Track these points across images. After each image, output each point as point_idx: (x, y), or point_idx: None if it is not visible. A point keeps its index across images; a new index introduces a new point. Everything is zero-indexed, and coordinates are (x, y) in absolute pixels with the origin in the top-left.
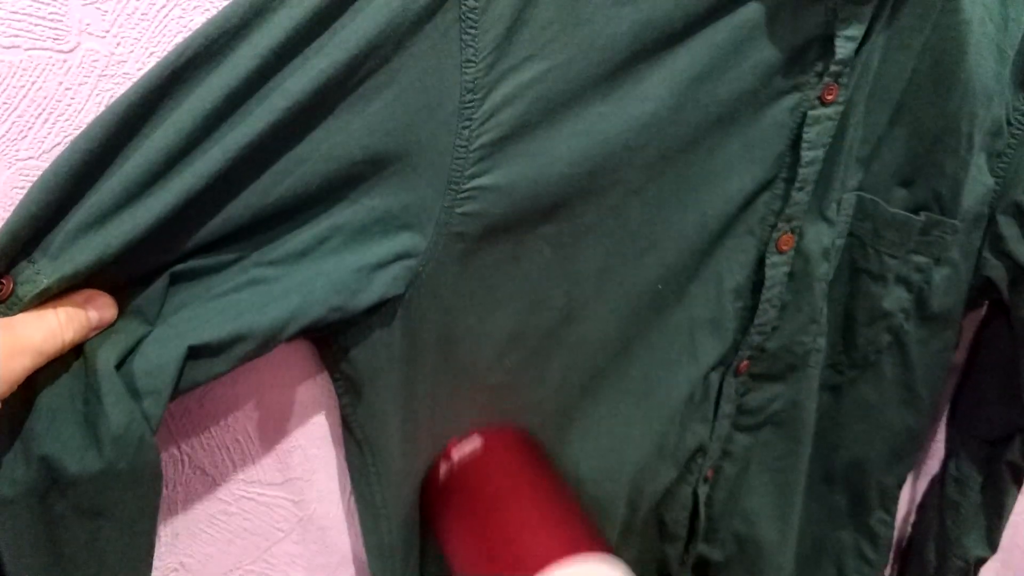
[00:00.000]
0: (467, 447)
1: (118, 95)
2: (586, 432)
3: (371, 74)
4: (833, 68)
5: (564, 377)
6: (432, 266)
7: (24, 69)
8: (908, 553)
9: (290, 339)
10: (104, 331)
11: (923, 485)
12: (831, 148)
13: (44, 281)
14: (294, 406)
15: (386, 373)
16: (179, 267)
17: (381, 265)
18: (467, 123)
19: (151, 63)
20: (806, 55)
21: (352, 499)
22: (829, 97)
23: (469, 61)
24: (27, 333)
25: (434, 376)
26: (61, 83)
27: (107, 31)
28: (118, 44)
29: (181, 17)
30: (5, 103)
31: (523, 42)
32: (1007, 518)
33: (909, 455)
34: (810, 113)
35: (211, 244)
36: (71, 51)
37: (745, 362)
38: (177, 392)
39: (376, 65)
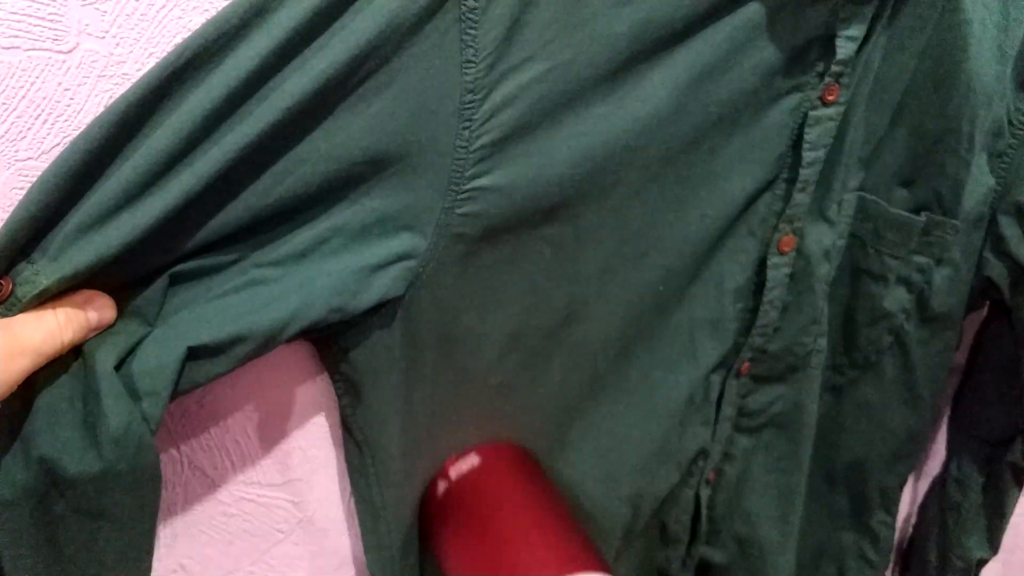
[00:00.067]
0: (465, 465)
1: (117, 96)
2: (586, 433)
3: (371, 74)
4: (834, 68)
5: (564, 378)
6: (432, 267)
7: (23, 70)
8: (909, 554)
9: (290, 340)
10: (103, 332)
11: (924, 486)
12: (832, 149)
13: (43, 282)
14: (294, 407)
15: (386, 374)
16: (179, 268)
17: (381, 266)
18: (467, 124)
19: (150, 64)
20: (807, 55)
21: (352, 500)
22: (830, 97)
23: (469, 62)
24: (26, 334)
25: (434, 377)
26: (60, 83)
27: (106, 31)
28: (117, 44)
29: (180, 17)
30: (4, 103)
31: (523, 42)
32: (1008, 519)
33: (910, 456)
34: (811, 114)
35: (211, 245)
36: (70, 52)
37: (746, 364)
38: (176, 393)
39: (376, 65)
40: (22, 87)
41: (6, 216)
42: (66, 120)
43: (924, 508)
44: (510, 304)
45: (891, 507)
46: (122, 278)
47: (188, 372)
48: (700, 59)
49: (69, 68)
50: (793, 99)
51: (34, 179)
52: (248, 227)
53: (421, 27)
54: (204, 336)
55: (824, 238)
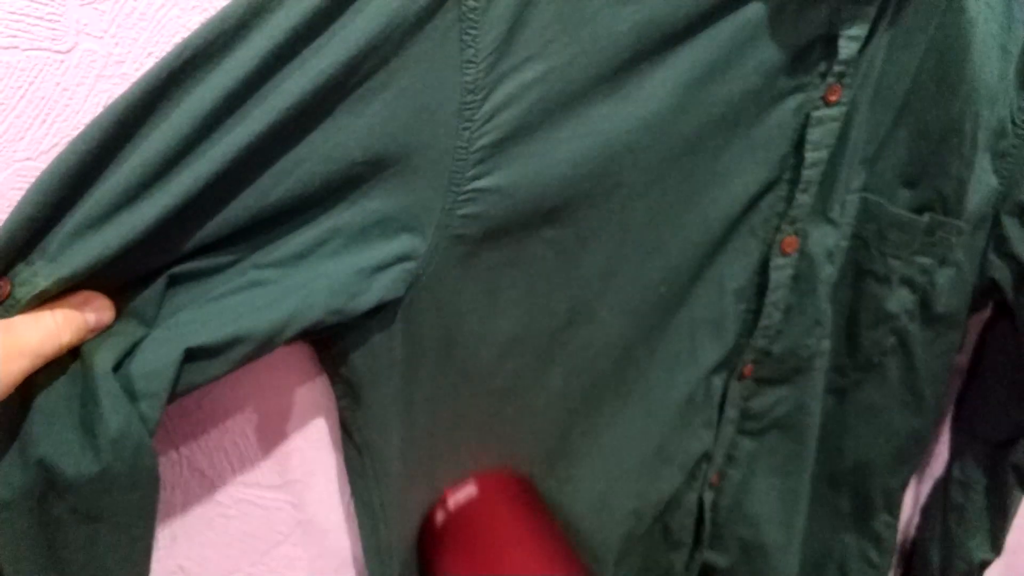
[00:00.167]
0: (463, 495)
1: (116, 96)
2: (587, 435)
3: (371, 75)
4: (836, 68)
5: (565, 381)
6: (432, 269)
7: (22, 69)
8: (912, 556)
9: (289, 341)
10: (102, 333)
11: (927, 488)
12: (835, 149)
13: (42, 283)
14: (293, 408)
15: (385, 376)
16: (177, 269)
17: (381, 268)
18: (468, 124)
19: (149, 64)
20: (809, 55)
21: (352, 502)
22: (832, 97)
23: (469, 62)
24: (24, 335)
25: (434, 380)
26: (59, 83)
27: (105, 31)
28: (116, 44)
29: (179, 17)
30: (3, 103)
31: (524, 42)
32: (1011, 521)
33: (913, 457)
34: (813, 114)
35: (209, 246)
36: (69, 51)
37: (749, 366)
38: (175, 394)
39: (376, 66)
40: (20, 87)
41: (4, 217)
42: (64, 120)
43: (927, 510)
44: (511, 306)
45: (894, 509)
46: (121, 279)
47: (186, 373)
48: (702, 59)
49: (68, 68)
50: (796, 99)
51: (33, 180)
52: (247, 228)
53: (421, 27)
54: (202, 337)
55: (827, 239)
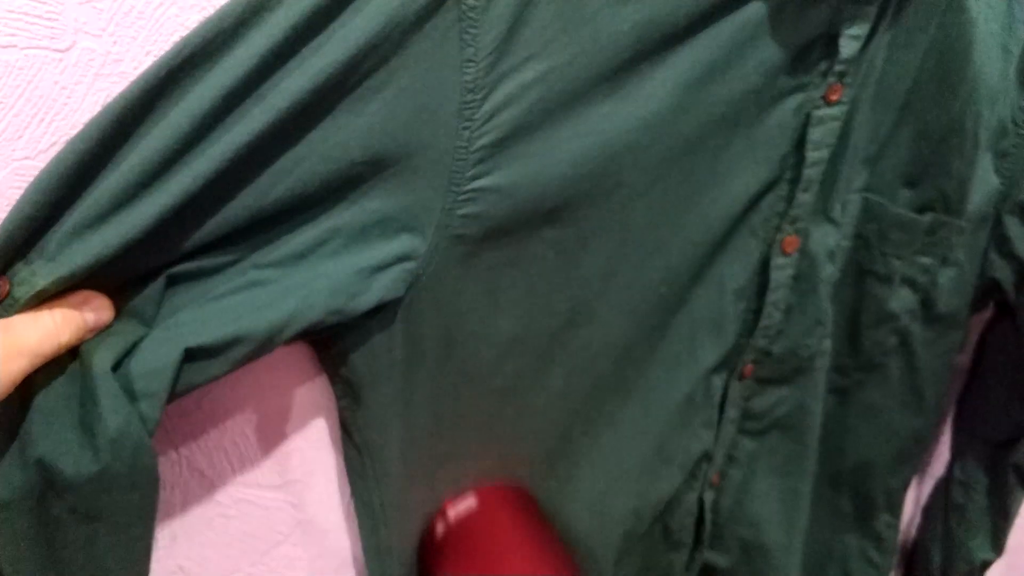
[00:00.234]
0: (463, 505)
1: (114, 94)
2: (588, 435)
3: (370, 74)
4: (837, 67)
5: (566, 381)
6: (432, 269)
7: (20, 68)
8: (913, 556)
9: (289, 342)
10: (101, 333)
11: (928, 488)
12: (836, 148)
13: (40, 282)
14: (293, 408)
15: (385, 377)
16: (177, 269)
17: (380, 268)
18: (468, 124)
19: (148, 62)
20: (810, 54)
21: (352, 502)
22: (833, 97)
23: (469, 61)
24: (23, 335)
25: (434, 380)
26: (57, 82)
27: (103, 30)
28: (114, 43)
29: (178, 16)
30: (1, 102)
31: (524, 42)
32: (1013, 521)
33: (914, 458)
34: (814, 113)
35: (209, 246)
36: (67, 50)
37: (749, 366)
38: (174, 394)
39: (375, 65)
40: (19, 86)
41: (3, 216)
42: (63, 119)
43: (928, 510)
44: (511, 307)
45: (896, 509)
46: (120, 279)
47: (186, 373)
48: (702, 58)
49: (66, 66)
50: (796, 98)
51: (31, 179)
52: (246, 228)
53: (421, 26)
54: (202, 337)
55: (828, 239)
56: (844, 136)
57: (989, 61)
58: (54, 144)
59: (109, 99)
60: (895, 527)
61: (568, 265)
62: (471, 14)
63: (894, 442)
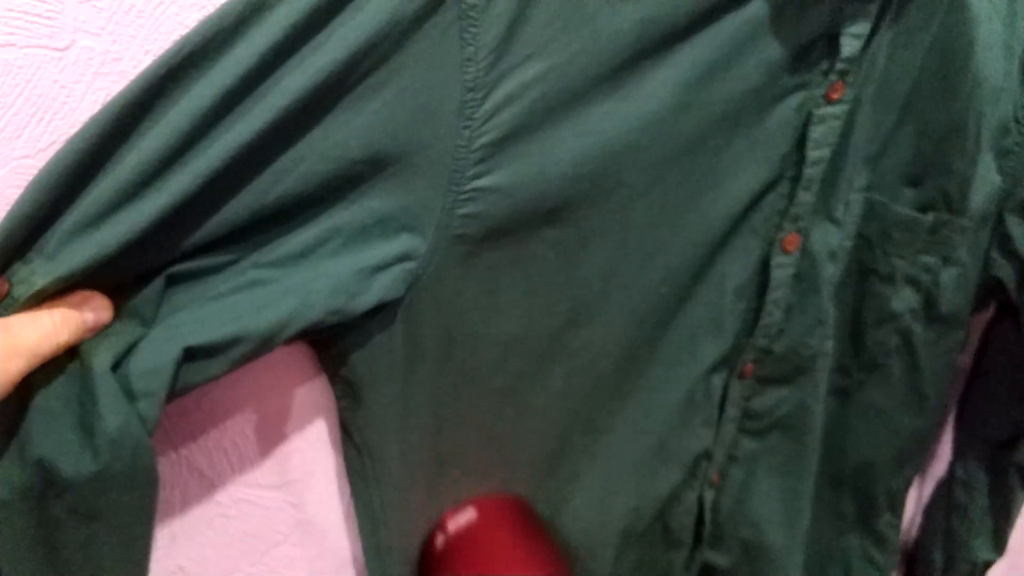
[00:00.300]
0: (463, 519)
1: (114, 93)
2: (588, 435)
3: (370, 73)
4: (839, 66)
5: (567, 381)
6: (433, 269)
7: (19, 67)
8: (914, 556)
9: (288, 341)
10: (100, 332)
11: (930, 488)
12: (837, 147)
13: (39, 282)
14: (293, 408)
15: (385, 377)
16: (176, 268)
17: (380, 267)
18: (468, 123)
19: (147, 61)
20: (811, 53)
21: (351, 502)
22: (835, 95)
23: (469, 60)
24: (22, 334)
25: (434, 380)
26: (56, 81)
27: (103, 28)
28: (114, 41)
29: (177, 14)
30: (0, 101)
31: (524, 40)
32: (1014, 521)
33: (916, 458)
34: (815, 112)
35: (209, 245)
36: (66, 49)
37: (750, 365)
38: (174, 394)
39: (375, 63)
40: (18, 84)
41: (2, 216)
42: (62, 118)
43: (929, 510)
44: (512, 307)
45: (897, 509)
46: (119, 278)
47: (185, 373)
48: (703, 57)
49: (65, 65)
50: (798, 97)
51: (31, 178)
52: (246, 227)
53: (420, 25)
54: (201, 337)
55: (830, 238)
56: (846, 135)
57: (991, 59)
58: (53, 143)
59: (108, 98)
60: (897, 527)
61: (568, 265)
62: (471, 13)
63: (896, 442)
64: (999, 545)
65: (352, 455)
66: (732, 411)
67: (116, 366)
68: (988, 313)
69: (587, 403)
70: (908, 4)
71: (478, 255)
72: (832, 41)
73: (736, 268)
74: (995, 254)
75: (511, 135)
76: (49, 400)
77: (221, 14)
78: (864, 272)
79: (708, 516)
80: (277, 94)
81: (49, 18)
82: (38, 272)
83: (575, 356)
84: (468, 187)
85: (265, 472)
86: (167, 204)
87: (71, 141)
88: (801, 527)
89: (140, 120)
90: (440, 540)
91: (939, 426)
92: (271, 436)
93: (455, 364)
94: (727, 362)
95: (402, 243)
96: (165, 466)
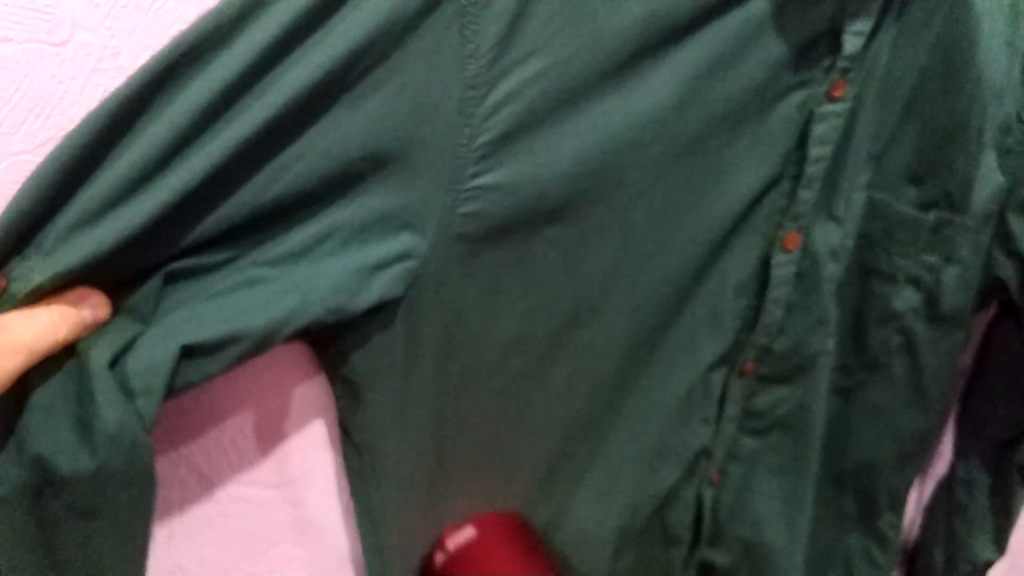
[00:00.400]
0: (462, 535)
1: (112, 89)
2: (589, 435)
3: (370, 69)
4: (841, 64)
5: (568, 382)
6: (433, 268)
7: (17, 62)
8: (915, 556)
9: (288, 340)
10: (98, 330)
11: (931, 488)
12: (839, 146)
13: (37, 278)
14: (292, 407)
15: (385, 377)
16: (175, 266)
17: (381, 266)
18: (469, 120)
19: (145, 56)
20: (814, 51)
21: (351, 501)
22: (837, 93)
23: (470, 57)
24: (20, 331)
25: (435, 380)
26: (54, 76)
27: (100, 23)
28: (112, 37)
29: (175, 9)
30: None
31: (526, 37)
32: (1015, 520)
33: (918, 457)
34: (817, 110)
35: (207, 242)
36: (64, 43)
37: (751, 363)
38: (172, 392)
39: (375, 60)
40: (15, 80)
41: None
42: (60, 114)
43: (931, 510)
44: (513, 306)
45: (898, 509)
46: (117, 275)
47: (183, 371)
48: (706, 54)
49: (63, 61)
50: (800, 95)
51: (28, 174)
52: (245, 225)
53: (421, 21)
54: (199, 335)
55: (831, 237)
56: (847, 133)
57: (994, 57)
58: (51, 139)
59: (106, 93)
60: (898, 527)
61: (570, 264)
62: (472, 9)
63: (897, 442)
64: (1000, 545)
65: (351, 454)
66: (732, 409)
67: (114, 363)
68: (990, 313)
69: (587, 402)
70: (911, 2)
71: (479, 254)
72: (834, 38)
73: (737, 266)
74: (997, 253)
75: (512, 133)
76: (47, 397)
77: (220, 10)
78: (866, 271)
79: (707, 514)
80: (276, 91)
81: (47, 13)
82: (36, 269)
83: (576, 356)
84: (469, 185)
85: (264, 471)
86: (165, 201)
87: (69, 137)
88: (802, 526)
89: (138, 116)
90: (440, 558)
91: (940, 426)
92: (270, 435)
93: (455, 364)
94: (727, 360)
95: (402, 242)
96: (164, 464)
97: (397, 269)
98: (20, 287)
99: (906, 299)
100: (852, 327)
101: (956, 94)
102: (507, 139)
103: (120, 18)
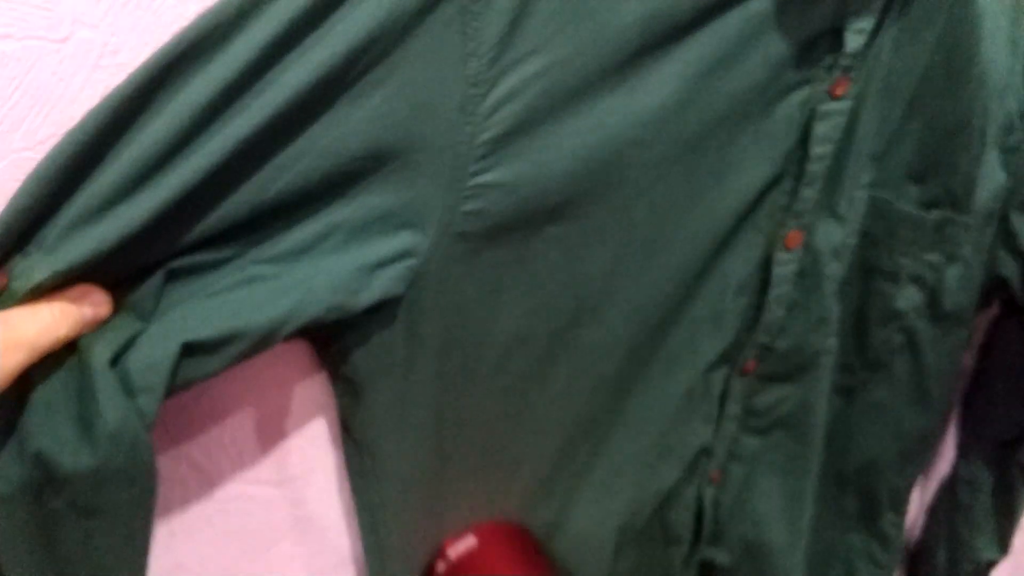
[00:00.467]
0: (463, 545)
1: (113, 86)
2: (589, 434)
3: (371, 67)
4: (843, 62)
5: (569, 382)
6: (435, 266)
7: (17, 59)
8: (918, 556)
9: (288, 338)
10: (99, 327)
11: (932, 487)
12: (841, 144)
13: (38, 276)
14: (292, 405)
15: (386, 375)
16: (176, 263)
17: (381, 264)
18: (470, 118)
19: (146, 53)
20: (816, 48)
21: (351, 499)
22: (839, 91)
23: (471, 55)
24: (21, 328)
25: (437, 379)
26: (55, 73)
27: (101, 20)
28: (112, 33)
29: (176, 6)
30: None
31: (527, 35)
32: (1018, 519)
33: (920, 457)
34: (819, 108)
35: (208, 240)
36: (64, 40)
37: (752, 362)
38: (173, 390)
39: (376, 59)
40: (16, 77)
41: (1, 209)
42: (61, 111)
43: (933, 509)
44: (514, 306)
45: (900, 508)
46: (118, 273)
47: (184, 368)
48: (708, 52)
49: (64, 57)
50: (802, 93)
51: (29, 171)
52: (246, 223)
53: (422, 20)
54: (200, 333)
55: (833, 236)
56: (850, 131)
57: (997, 56)
58: (52, 136)
59: (107, 90)
60: (900, 526)
61: (572, 264)
62: (473, 7)
63: (899, 441)
64: (1003, 545)
65: (352, 453)
66: (733, 408)
67: (115, 361)
68: (992, 312)
69: (589, 401)
70: None
71: (480, 253)
72: (836, 36)
73: (738, 265)
74: (1000, 252)
75: (514, 131)
76: (48, 394)
77: (220, 8)
78: (868, 270)
79: (708, 513)
80: (277, 89)
81: (47, 9)
82: (37, 266)
83: (577, 355)
84: (470, 183)
85: (265, 469)
86: (166, 199)
87: (70, 134)
88: (802, 525)
89: (139, 114)
90: (441, 567)
91: (943, 425)
92: (271, 433)
93: (456, 363)
94: (728, 359)
95: (403, 240)
96: (164, 462)
97: (398, 267)
98: (21, 284)
99: (908, 298)
100: (854, 326)
101: (958, 92)
102: (508, 137)
103: (121, 14)
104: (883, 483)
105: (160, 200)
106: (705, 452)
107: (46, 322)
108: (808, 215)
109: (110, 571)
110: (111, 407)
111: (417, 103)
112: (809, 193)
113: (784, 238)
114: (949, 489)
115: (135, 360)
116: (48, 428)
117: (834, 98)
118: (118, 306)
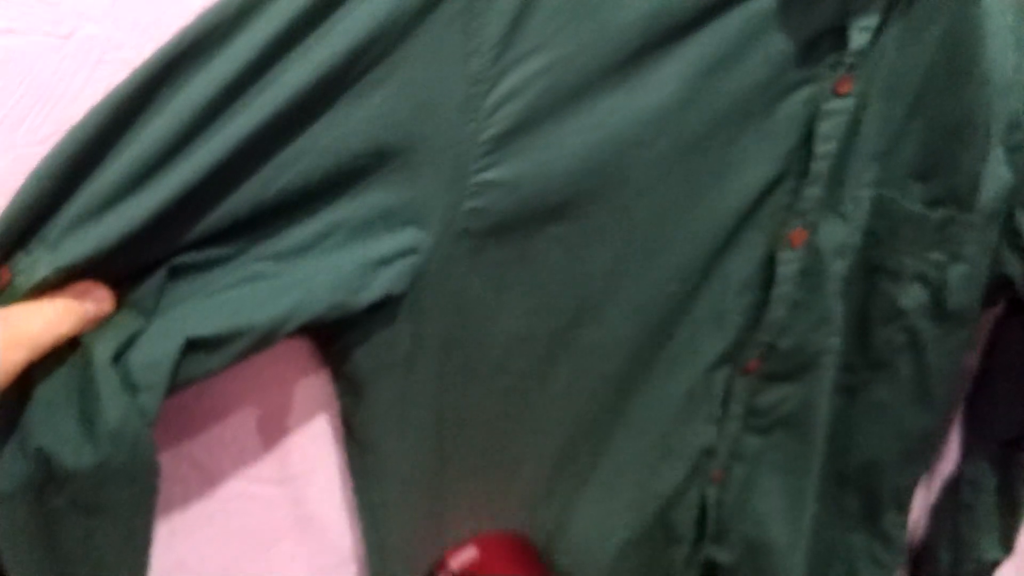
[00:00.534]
0: (465, 557)
1: (116, 82)
2: (591, 434)
3: (372, 67)
4: (847, 60)
5: (571, 381)
6: (437, 264)
7: (21, 55)
8: (921, 556)
9: (290, 336)
10: (101, 324)
11: (936, 487)
12: (845, 142)
13: (41, 272)
14: (294, 403)
15: (388, 374)
16: (178, 261)
17: (384, 262)
18: (472, 116)
19: (149, 49)
20: (819, 46)
21: (353, 498)
22: (842, 89)
23: (473, 53)
24: (24, 325)
25: (438, 378)
26: (58, 69)
27: (105, 15)
28: (116, 29)
29: (180, 2)
30: (2, 89)
31: (529, 32)
32: (1022, 520)
33: (923, 456)
34: (823, 106)
35: (211, 237)
36: (68, 36)
37: (754, 361)
38: (174, 387)
39: (377, 57)
40: (19, 73)
41: (4, 205)
42: (64, 107)
43: (936, 509)
44: (516, 305)
45: (903, 508)
46: (121, 270)
47: (186, 366)
48: (711, 50)
49: (67, 53)
50: (805, 91)
51: (32, 167)
52: (248, 220)
53: (423, 18)
54: (202, 330)
55: (837, 234)
56: (853, 130)
57: (1002, 54)
58: (55, 132)
59: (111, 86)
60: (902, 526)
61: (574, 262)
62: (475, 6)
63: (902, 440)
64: (1007, 545)
65: (354, 451)
66: (736, 408)
67: (117, 358)
68: (996, 311)
69: (590, 401)
70: None
71: (483, 251)
72: (840, 34)
73: (741, 264)
74: (1004, 251)
75: (516, 129)
76: (50, 391)
77: (222, 6)
78: (871, 269)
79: (710, 513)
80: (279, 86)
81: (51, 5)
82: (40, 262)
83: (578, 354)
84: (473, 181)
85: (266, 468)
86: (168, 196)
87: (73, 131)
88: (805, 525)
89: (142, 111)
90: None
91: (946, 425)
92: (272, 431)
93: (457, 362)
94: (730, 359)
95: (405, 238)
96: (166, 460)
97: (400, 265)
98: (24, 281)
99: (912, 297)
100: (857, 325)
101: (963, 90)
102: (511, 135)
103: (124, 10)
104: (885, 483)
105: (162, 198)
106: (708, 452)
107: (48, 319)
108: (811, 214)
109: (111, 569)
110: (113, 405)
111: (418, 102)
112: (813, 191)
113: (787, 237)
114: (952, 489)
115: (137, 358)
116: (50, 426)
117: (838, 96)
118: (120, 303)
